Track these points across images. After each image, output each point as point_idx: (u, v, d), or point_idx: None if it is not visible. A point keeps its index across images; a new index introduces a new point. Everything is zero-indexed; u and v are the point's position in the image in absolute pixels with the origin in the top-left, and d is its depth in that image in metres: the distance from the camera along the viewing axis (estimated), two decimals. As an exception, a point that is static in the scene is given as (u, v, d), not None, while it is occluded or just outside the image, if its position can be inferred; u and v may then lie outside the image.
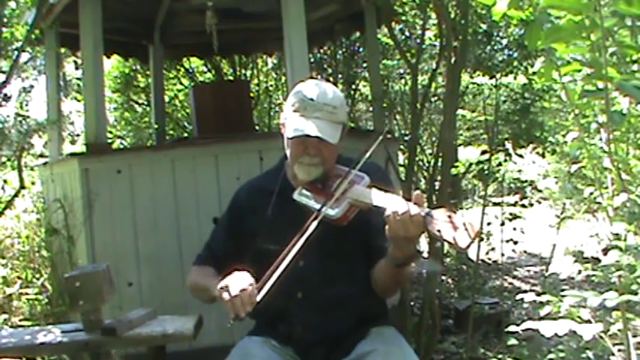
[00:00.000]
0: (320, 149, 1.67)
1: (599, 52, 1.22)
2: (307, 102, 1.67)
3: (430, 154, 5.51)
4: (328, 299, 1.70)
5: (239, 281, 1.54)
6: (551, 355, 2.66)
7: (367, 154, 1.64)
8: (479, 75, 5.07)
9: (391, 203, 1.42)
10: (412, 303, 3.89)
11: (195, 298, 1.91)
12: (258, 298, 1.51)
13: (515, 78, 5.27)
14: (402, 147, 4.52)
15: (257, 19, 4.38)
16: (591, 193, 1.81)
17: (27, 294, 3.45)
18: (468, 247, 1.27)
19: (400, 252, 1.48)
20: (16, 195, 3.48)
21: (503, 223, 4.19)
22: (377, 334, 1.72)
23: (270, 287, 1.51)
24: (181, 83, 6.89)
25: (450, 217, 1.30)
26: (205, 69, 6.72)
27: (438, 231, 1.31)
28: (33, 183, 4.61)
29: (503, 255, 4.87)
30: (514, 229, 4.46)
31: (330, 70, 5.63)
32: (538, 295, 1.55)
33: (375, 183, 1.59)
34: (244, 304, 1.49)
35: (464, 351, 3.42)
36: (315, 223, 1.56)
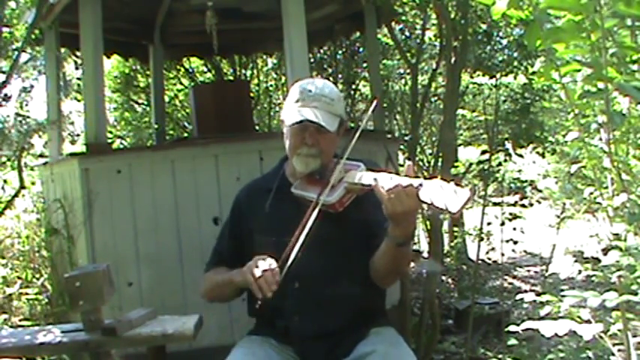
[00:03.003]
0: (318, 140, 1.71)
1: (599, 52, 1.22)
2: (306, 93, 1.72)
3: (430, 154, 5.51)
4: (326, 294, 1.72)
5: (261, 263, 1.59)
6: (551, 355, 2.66)
7: (359, 131, 1.67)
8: (479, 75, 5.06)
9: (384, 180, 1.45)
10: (412, 303, 3.89)
11: (214, 300, 1.95)
12: (281, 276, 1.56)
13: (515, 78, 5.26)
14: (402, 147, 4.52)
15: (257, 19, 4.38)
16: (591, 193, 1.81)
17: (27, 294, 3.45)
18: (459, 212, 1.30)
19: (400, 229, 1.50)
20: (16, 195, 3.49)
21: (503, 223, 4.19)
22: (376, 335, 1.73)
23: (288, 268, 1.56)
24: (181, 83, 6.89)
25: (441, 185, 1.33)
26: (205, 69, 6.71)
27: (430, 199, 1.34)
28: (33, 183, 4.60)
29: (503, 255, 4.87)
30: (514, 229, 4.46)
31: (330, 70, 5.63)
32: (538, 295, 1.55)
33: (370, 169, 1.62)
34: (269, 283, 1.55)
35: (464, 351, 3.42)
36: (315, 212, 1.58)
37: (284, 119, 1.77)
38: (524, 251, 6.23)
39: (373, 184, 1.48)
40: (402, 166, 4.18)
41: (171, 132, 6.27)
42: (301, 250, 1.56)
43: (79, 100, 8.13)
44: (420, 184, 1.37)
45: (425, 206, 1.41)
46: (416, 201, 1.39)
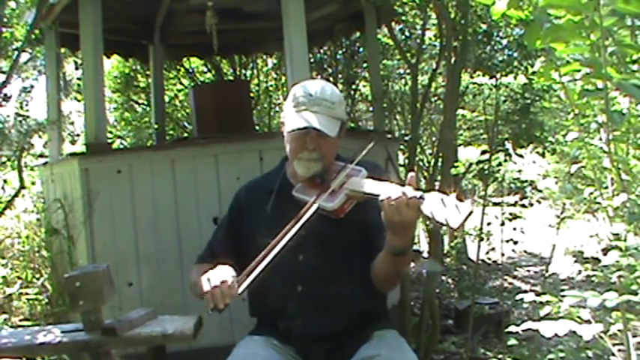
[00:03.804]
0: (319, 144, 1.69)
1: (598, 51, 1.22)
2: (306, 97, 1.70)
3: (430, 154, 5.51)
4: (327, 296, 1.71)
5: (220, 273, 1.56)
6: (551, 355, 2.66)
7: (365, 151, 1.66)
8: (479, 75, 5.06)
9: (385, 189, 1.44)
10: (412, 303, 3.89)
11: (195, 296, 1.92)
12: (240, 290, 1.52)
13: (515, 78, 5.26)
14: (402, 147, 4.52)
15: (257, 19, 4.38)
16: (591, 193, 1.81)
17: (27, 294, 3.45)
18: (460, 227, 1.30)
19: (398, 239, 1.49)
20: (16, 195, 3.48)
21: (503, 223, 4.19)
22: (380, 339, 1.72)
23: (252, 280, 1.52)
24: (181, 83, 6.89)
25: (442, 199, 1.32)
26: (205, 69, 6.71)
27: (431, 213, 1.33)
28: (33, 183, 4.60)
29: (503, 255, 4.88)
30: (514, 229, 4.47)
31: (330, 70, 5.63)
32: (538, 295, 1.55)
33: (372, 176, 1.61)
34: (224, 295, 1.51)
35: (464, 351, 3.42)
36: (309, 212, 1.57)
37: (284, 123, 1.75)
38: (524, 251, 6.24)
39: (374, 192, 1.47)
40: (402, 166, 4.18)
41: (171, 132, 6.27)
42: (283, 251, 1.54)
43: (79, 100, 8.13)
44: (422, 197, 1.37)
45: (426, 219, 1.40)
46: (415, 212, 1.38)
